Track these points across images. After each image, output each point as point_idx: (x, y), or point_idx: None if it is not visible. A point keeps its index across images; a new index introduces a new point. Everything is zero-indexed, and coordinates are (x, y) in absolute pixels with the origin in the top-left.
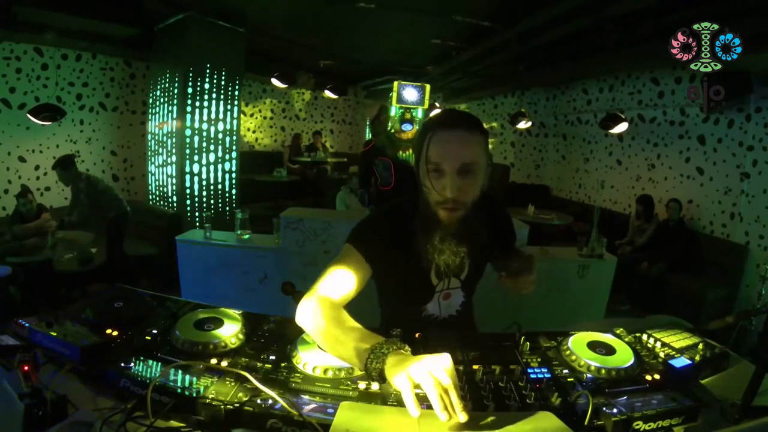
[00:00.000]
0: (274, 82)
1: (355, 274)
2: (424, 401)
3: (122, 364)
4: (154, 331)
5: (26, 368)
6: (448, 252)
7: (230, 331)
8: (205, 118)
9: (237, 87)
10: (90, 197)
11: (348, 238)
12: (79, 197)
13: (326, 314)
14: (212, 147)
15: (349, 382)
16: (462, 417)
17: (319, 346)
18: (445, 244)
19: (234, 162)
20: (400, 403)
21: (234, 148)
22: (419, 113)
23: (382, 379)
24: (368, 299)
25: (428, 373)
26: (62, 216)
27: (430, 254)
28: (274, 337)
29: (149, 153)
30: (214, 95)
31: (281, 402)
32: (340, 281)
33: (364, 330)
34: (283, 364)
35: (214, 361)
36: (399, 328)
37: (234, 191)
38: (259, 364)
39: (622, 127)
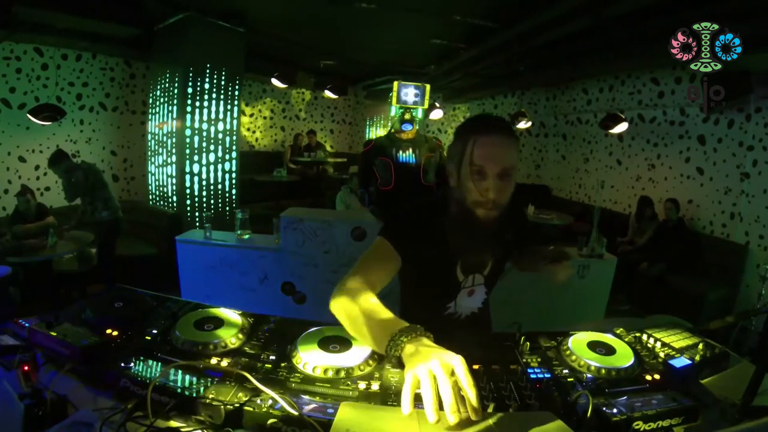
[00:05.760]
0: (274, 82)
1: (385, 265)
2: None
3: (122, 364)
4: (154, 331)
5: (26, 368)
6: (478, 248)
7: (230, 331)
8: (205, 118)
9: (237, 87)
10: (87, 183)
11: (380, 231)
12: (76, 187)
13: (355, 301)
14: (212, 147)
15: (349, 382)
16: (451, 419)
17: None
18: (477, 241)
19: (234, 162)
20: (399, 403)
21: (234, 148)
22: (419, 113)
23: (401, 365)
24: (386, 299)
25: (428, 372)
26: (71, 221)
27: (461, 249)
28: (274, 337)
29: (149, 153)
30: (214, 95)
31: (281, 402)
32: (371, 270)
33: (390, 317)
34: (283, 364)
35: (214, 361)
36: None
37: (234, 191)
38: (259, 364)
39: (622, 127)
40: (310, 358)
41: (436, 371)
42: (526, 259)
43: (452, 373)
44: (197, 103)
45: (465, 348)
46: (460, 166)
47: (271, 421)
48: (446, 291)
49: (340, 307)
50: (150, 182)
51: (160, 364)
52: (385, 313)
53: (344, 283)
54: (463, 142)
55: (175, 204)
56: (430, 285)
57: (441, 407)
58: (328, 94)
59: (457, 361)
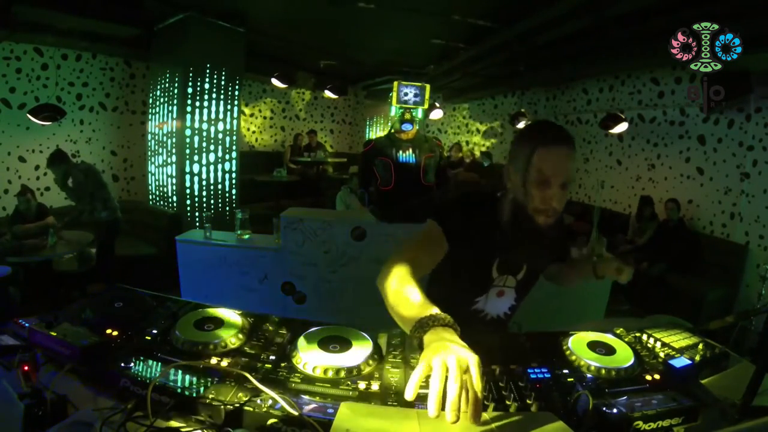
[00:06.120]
0: (274, 82)
1: (433, 249)
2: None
3: (122, 364)
4: (154, 331)
5: (26, 368)
6: (533, 253)
7: (230, 331)
8: (205, 118)
9: (237, 87)
10: (86, 183)
11: (432, 215)
12: (76, 187)
13: (396, 280)
14: (212, 147)
15: (349, 382)
16: (449, 416)
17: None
18: (533, 246)
19: (234, 162)
20: (400, 403)
21: (234, 148)
22: (419, 113)
23: (422, 348)
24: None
25: (442, 363)
26: (65, 218)
27: (514, 251)
28: (274, 337)
29: (149, 153)
30: (214, 95)
31: (281, 402)
32: (419, 254)
33: (426, 303)
34: (283, 364)
35: (214, 361)
36: None
37: (234, 191)
38: (259, 364)
39: (622, 127)
40: (310, 358)
41: (451, 365)
42: (576, 269)
43: (465, 371)
44: (197, 103)
45: (483, 347)
46: (525, 173)
47: (271, 421)
48: (478, 285)
49: (383, 285)
50: (150, 182)
51: (160, 364)
52: (422, 298)
53: (391, 263)
54: (530, 149)
55: (175, 204)
56: (463, 276)
57: (443, 405)
58: (328, 94)
59: (473, 361)
